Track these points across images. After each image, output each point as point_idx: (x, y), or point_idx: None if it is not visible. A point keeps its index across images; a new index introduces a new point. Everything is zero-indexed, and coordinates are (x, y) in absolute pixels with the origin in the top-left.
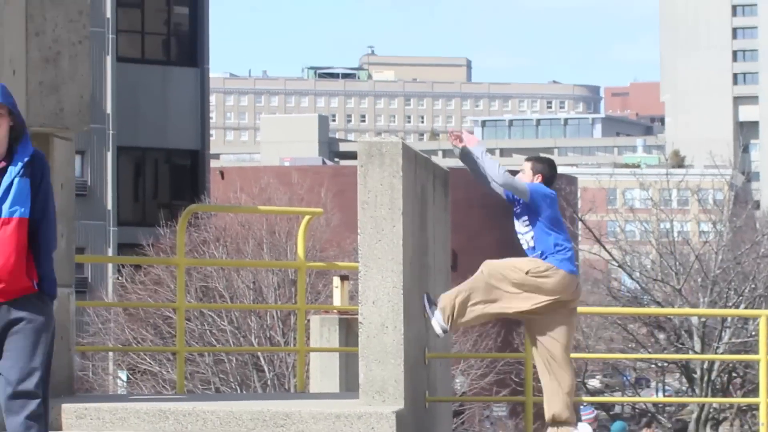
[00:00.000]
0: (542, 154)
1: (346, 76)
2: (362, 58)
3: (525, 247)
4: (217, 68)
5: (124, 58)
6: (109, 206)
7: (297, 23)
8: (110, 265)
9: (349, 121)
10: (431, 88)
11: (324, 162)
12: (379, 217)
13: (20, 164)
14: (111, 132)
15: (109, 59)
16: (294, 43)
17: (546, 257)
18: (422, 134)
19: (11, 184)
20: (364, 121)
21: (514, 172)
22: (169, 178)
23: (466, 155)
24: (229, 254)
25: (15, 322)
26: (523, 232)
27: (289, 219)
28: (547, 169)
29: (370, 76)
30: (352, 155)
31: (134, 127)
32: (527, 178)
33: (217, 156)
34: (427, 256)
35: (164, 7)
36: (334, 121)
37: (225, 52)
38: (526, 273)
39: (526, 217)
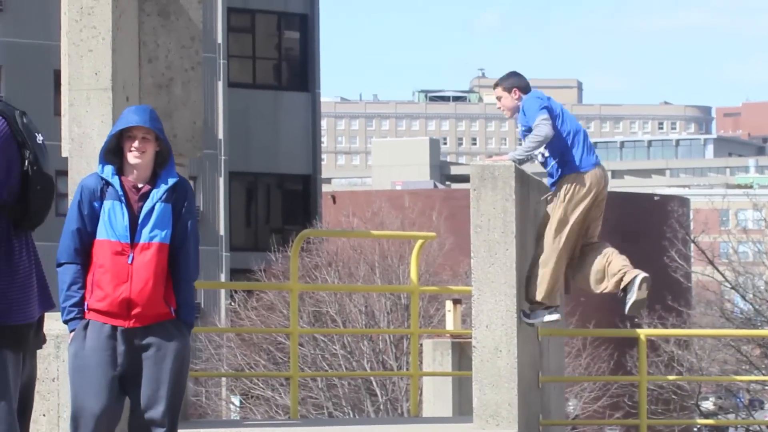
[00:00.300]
0: (504, 73)
1: (456, 98)
2: (473, 81)
3: (541, 160)
4: (328, 92)
5: (235, 84)
6: (222, 232)
7: (407, 47)
8: (223, 291)
9: (461, 143)
10: None
11: (435, 185)
12: (492, 241)
13: (163, 189)
14: (223, 157)
15: (220, 85)
16: (404, 66)
17: (563, 163)
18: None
19: (152, 208)
20: (475, 143)
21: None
22: (281, 203)
23: (521, 164)
24: (342, 279)
25: (148, 348)
26: (541, 159)
27: (401, 243)
28: (516, 80)
29: (480, 99)
30: (464, 178)
31: (246, 152)
32: (509, 101)
33: (328, 180)
34: None
35: (275, 32)
36: (445, 144)
37: (336, 77)
38: (563, 201)
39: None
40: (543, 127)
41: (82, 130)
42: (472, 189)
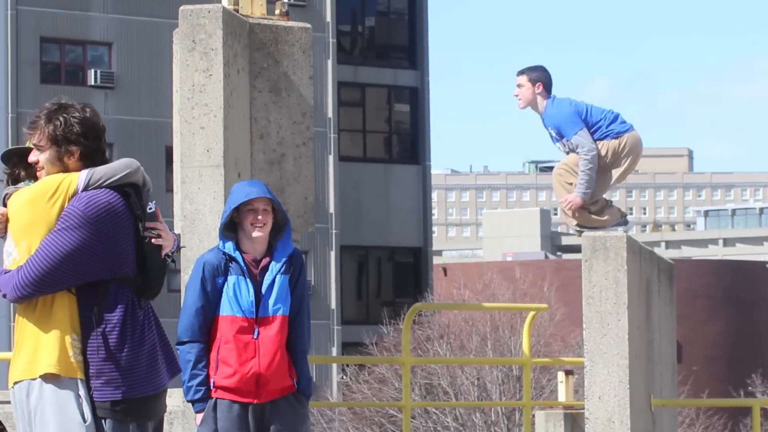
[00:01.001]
0: (530, 65)
1: None
2: None
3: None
4: (438, 164)
5: (346, 157)
6: (333, 305)
7: (517, 117)
8: (334, 365)
9: None
10: (653, 179)
11: (546, 256)
12: (604, 312)
13: (282, 261)
14: (334, 231)
15: (331, 159)
16: (515, 137)
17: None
18: (644, 225)
19: (273, 281)
20: None
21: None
22: (392, 276)
23: (590, 197)
24: (453, 351)
25: (275, 422)
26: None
27: (512, 314)
28: (543, 75)
29: None
30: (575, 248)
31: (357, 225)
32: (528, 91)
33: (439, 252)
34: (652, 349)
35: (385, 106)
36: (555, 214)
37: (446, 148)
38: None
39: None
40: (590, 151)
41: (194, 206)
42: (584, 260)
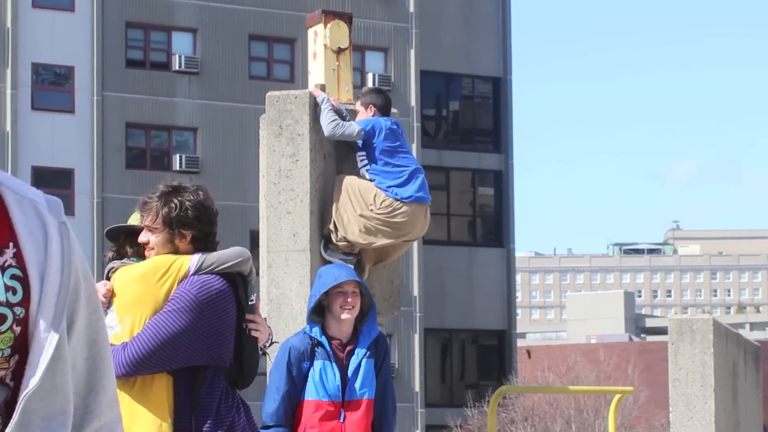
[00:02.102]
0: (370, 86)
1: (651, 251)
2: (667, 233)
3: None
4: (522, 247)
5: (430, 241)
6: (417, 388)
7: (601, 201)
8: None
9: (655, 296)
10: (737, 261)
11: (631, 338)
12: (690, 395)
13: (368, 345)
14: (418, 314)
15: (415, 242)
16: (598, 220)
17: (385, 189)
18: (729, 307)
19: (359, 365)
20: (670, 296)
21: None
22: (476, 359)
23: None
24: None
25: None
26: (359, 167)
27: (596, 397)
28: (376, 98)
29: (675, 251)
30: (659, 331)
31: (441, 309)
32: (363, 115)
33: (523, 335)
34: None
35: (469, 189)
36: (639, 297)
37: (529, 231)
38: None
39: (363, 153)
40: (347, 126)
41: (280, 291)
42: (671, 343)
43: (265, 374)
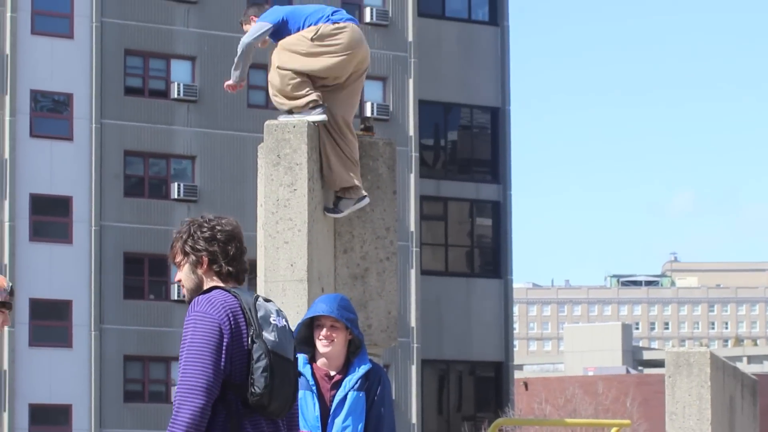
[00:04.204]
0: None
1: (648, 283)
2: (665, 265)
3: None
4: (519, 278)
5: (428, 271)
6: (414, 419)
7: (599, 232)
8: None
9: (653, 328)
10: (735, 294)
11: (628, 371)
12: (687, 428)
13: (355, 378)
14: (415, 345)
15: (413, 273)
16: (596, 251)
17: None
18: (726, 340)
19: (345, 398)
20: (667, 328)
21: None
22: (473, 391)
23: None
24: None
25: None
26: None
27: (594, 429)
28: (252, 10)
29: (673, 283)
30: (656, 363)
31: (438, 340)
32: (247, 27)
33: (520, 367)
34: None
35: (467, 219)
36: (637, 329)
37: (527, 262)
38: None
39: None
40: (253, 28)
41: None
42: (667, 376)
43: None
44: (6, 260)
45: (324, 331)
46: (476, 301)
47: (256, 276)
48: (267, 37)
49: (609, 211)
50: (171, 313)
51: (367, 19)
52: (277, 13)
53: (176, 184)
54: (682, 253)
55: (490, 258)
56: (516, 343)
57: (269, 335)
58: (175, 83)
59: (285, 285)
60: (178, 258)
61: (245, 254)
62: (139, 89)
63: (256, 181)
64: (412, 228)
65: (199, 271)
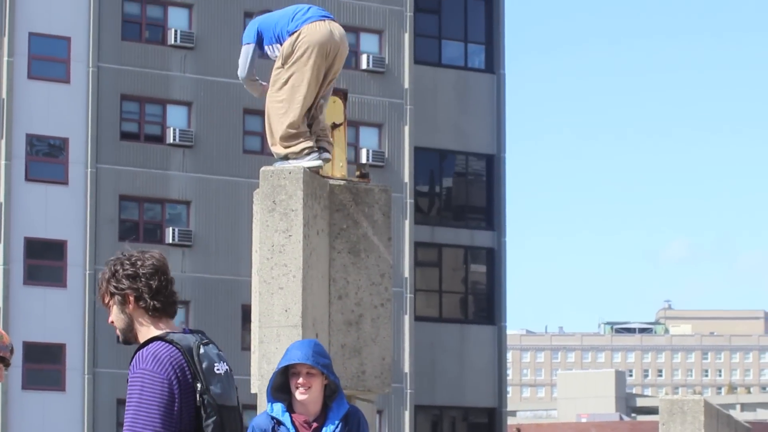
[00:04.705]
0: None
1: (642, 330)
2: (659, 313)
3: None
4: (513, 325)
5: (422, 317)
6: None
7: (593, 279)
8: None
9: (646, 375)
10: (729, 341)
11: (621, 418)
12: None
13: (336, 423)
14: (408, 391)
15: (407, 318)
16: (590, 298)
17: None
18: (719, 388)
19: None
20: (661, 375)
21: None
22: None
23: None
24: None
25: None
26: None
27: None
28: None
29: (666, 330)
30: (650, 410)
31: (431, 385)
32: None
33: (513, 413)
34: None
35: (462, 266)
36: (630, 376)
37: (521, 308)
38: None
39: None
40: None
41: (271, 366)
42: (661, 423)
43: None
44: (0, 303)
45: (300, 379)
46: (470, 347)
47: (250, 321)
48: (262, 84)
49: (603, 258)
50: None
51: (364, 66)
52: (251, 30)
53: (171, 228)
54: (676, 300)
55: (484, 304)
56: (509, 389)
57: (215, 388)
58: (171, 128)
59: (279, 330)
60: (106, 299)
61: (172, 285)
62: (135, 134)
63: (250, 226)
64: (407, 274)
65: (128, 310)
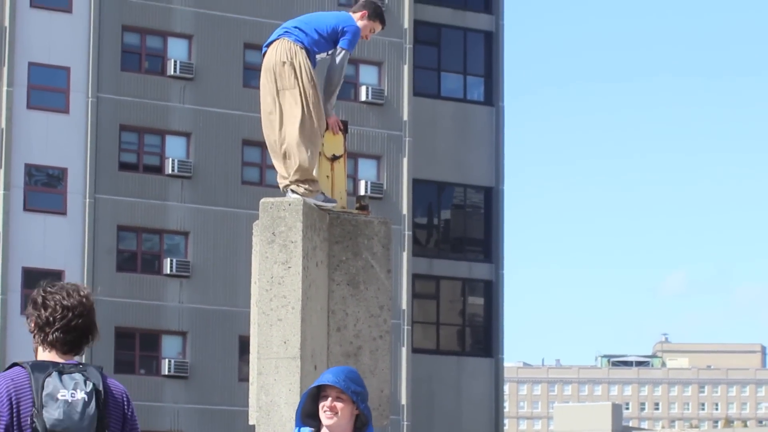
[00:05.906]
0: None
1: (639, 363)
2: (656, 346)
3: None
4: (510, 357)
5: (419, 349)
6: None
7: (591, 312)
8: None
9: (643, 408)
10: (725, 375)
11: None
12: None
13: None
14: (405, 423)
15: (404, 350)
16: (587, 331)
17: None
18: (716, 421)
19: None
20: (657, 408)
21: None
22: None
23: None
24: None
25: None
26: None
27: None
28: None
29: (664, 364)
30: None
31: (429, 417)
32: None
33: None
34: None
35: (459, 298)
36: (627, 409)
37: (518, 341)
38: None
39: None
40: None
41: (269, 398)
42: None
43: None
44: None
45: (328, 402)
46: (467, 379)
47: (248, 352)
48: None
49: (600, 291)
50: (161, 387)
51: (363, 97)
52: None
53: (169, 259)
54: (673, 333)
55: (482, 337)
56: (506, 421)
57: (53, 412)
58: (170, 159)
59: (278, 362)
60: (30, 326)
61: (90, 325)
62: (134, 164)
63: (249, 257)
64: (404, 306)
65: (35, 338)
